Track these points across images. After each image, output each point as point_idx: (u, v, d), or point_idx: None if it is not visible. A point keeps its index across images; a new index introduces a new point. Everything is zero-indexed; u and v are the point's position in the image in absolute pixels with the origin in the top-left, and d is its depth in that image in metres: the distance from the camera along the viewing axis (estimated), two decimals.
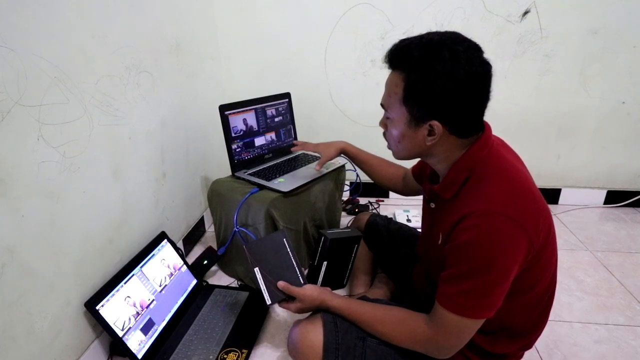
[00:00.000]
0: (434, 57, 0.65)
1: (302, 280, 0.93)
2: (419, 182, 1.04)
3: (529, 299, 0.76)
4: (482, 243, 0.65)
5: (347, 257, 1.12)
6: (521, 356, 0.87)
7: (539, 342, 1.10)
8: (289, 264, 0.95)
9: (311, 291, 0.88)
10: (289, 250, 0.98)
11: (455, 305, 0.69)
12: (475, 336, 0.73)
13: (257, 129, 1.45)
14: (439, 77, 0.65)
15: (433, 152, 0.75)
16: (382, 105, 0.78)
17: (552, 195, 1.96)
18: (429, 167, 0.86)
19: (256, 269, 0.92)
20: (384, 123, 0.80)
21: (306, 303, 0.88)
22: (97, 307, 0.93)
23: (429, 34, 0.70)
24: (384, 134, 0.82)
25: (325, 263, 0.97)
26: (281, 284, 0.90)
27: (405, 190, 1.17)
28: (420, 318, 0.76)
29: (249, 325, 1.13)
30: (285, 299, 0.91)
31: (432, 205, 0.83)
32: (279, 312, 1.23)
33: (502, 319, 0.73)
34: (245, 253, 0.95)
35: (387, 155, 0.90)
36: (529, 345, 0.84)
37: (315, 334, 0.81)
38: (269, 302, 0.89)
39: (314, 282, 1.11)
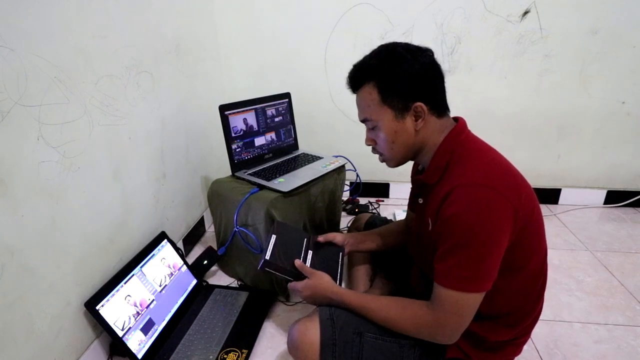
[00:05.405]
0: (390, 56, 0.77)
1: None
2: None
3: (524, 278, 0.77)
4: (466, 213, 0.68)
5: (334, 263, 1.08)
6: (519, 351, 0.87)
7: (539, 342, 1.10)
8: (301, 252, 1.02)
9: (322, 274, 0.92)
10: (303, 246, 1.04)
11: (450, 280, 0.70)
12: (472, 324, 0.73)
13: (257, 129, 1.45)
14: (403, 65, 0.75)
15: (423, 139, 0.80)
16: (363, 121, 0.84)
17: (552, 195, 1.96)
18: (416, 167, 0.93)
19: (273, 236, 1.00)
20: (370, 138, 0.86)
21: (314, 280, 0.90)
22: (97, 307, 0.93)
23: (367, 55, 0.82)
24: (374, 150, 0.88)
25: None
26: (298, 262, 0.94)
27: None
28: (421, 303, 0.77)
29: (249, 325, 1.13)
30: (293, 272, 0.94)
31: (421, 200, 0.86)
32: (279, 312, 1.23)
33: (499, 302, 0.74)
34: (272, 227, 1.07)
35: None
36: (526, 330, 0.85)
37: (314, 331, 0.82)
38: (268, 257, 0.93)
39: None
